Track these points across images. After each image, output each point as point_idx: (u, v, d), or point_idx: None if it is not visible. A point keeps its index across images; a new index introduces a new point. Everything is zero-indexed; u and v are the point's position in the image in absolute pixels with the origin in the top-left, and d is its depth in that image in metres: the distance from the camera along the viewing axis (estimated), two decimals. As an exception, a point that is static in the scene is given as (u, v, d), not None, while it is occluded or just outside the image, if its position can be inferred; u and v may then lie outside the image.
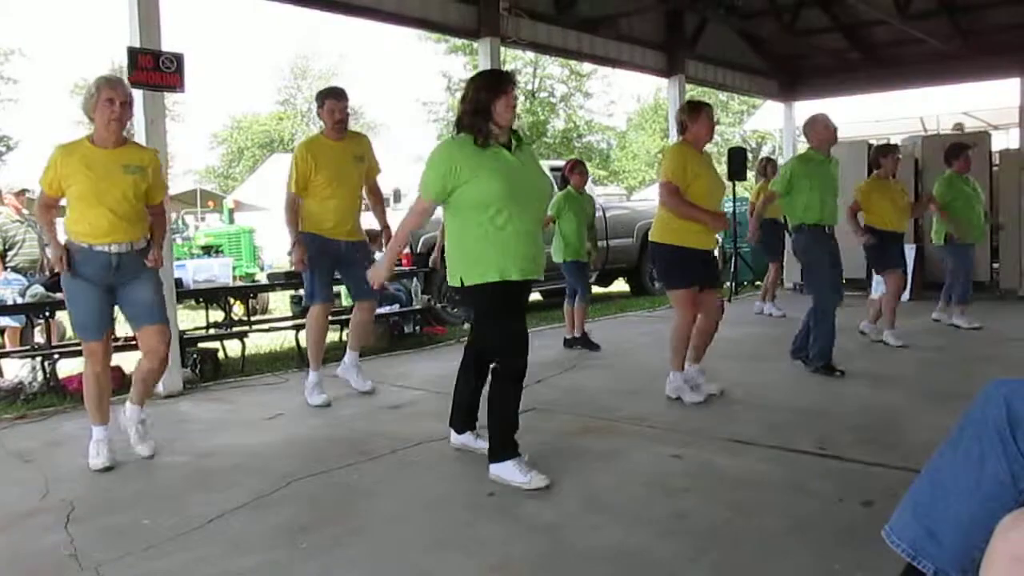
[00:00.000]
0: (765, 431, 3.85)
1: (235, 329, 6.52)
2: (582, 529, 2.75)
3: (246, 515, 2.99)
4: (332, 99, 4.73)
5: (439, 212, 3.40)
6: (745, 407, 4.39)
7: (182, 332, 5.73)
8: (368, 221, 5.10)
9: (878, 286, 6.95)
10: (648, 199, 13.56)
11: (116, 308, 3.72)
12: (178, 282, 5.73)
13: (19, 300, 5.55)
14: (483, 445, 3.43)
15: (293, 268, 5.10)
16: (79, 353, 4.23)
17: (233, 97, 68.67)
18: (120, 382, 4.86)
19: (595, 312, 8.30)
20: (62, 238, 3.56)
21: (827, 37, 10.35)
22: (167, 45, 5.00)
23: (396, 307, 7.22)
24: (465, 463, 3.50)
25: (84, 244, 3.49)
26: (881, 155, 6.30)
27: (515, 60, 26.98)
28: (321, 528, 2.83)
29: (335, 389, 4.94)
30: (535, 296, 9.41)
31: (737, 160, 9.68)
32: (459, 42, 26.61)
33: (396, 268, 7.17)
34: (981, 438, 1.65)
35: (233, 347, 6.40)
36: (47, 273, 6.73)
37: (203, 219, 18.10)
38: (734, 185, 9.80)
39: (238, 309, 7.58)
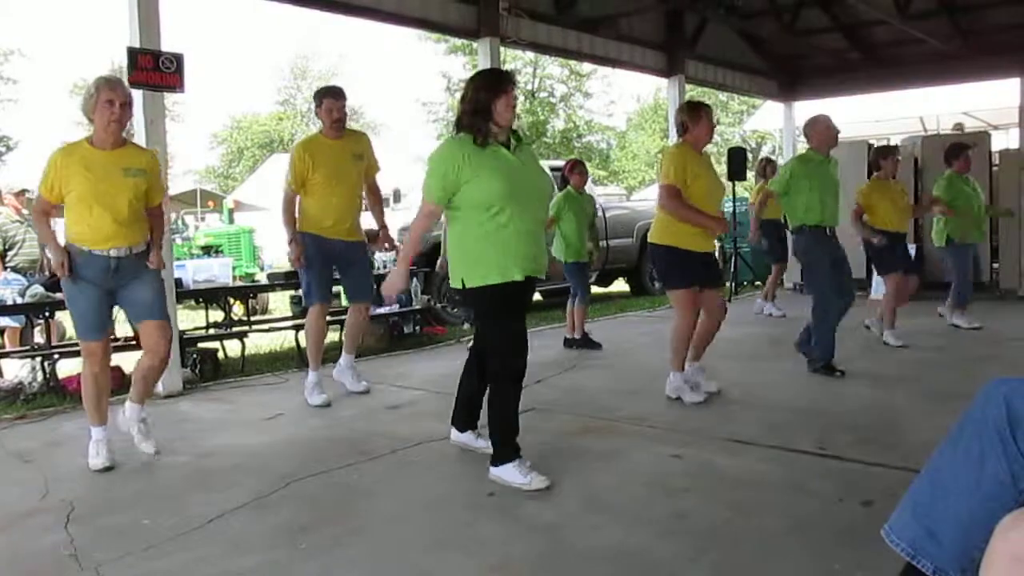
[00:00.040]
0: (765, 431, 3.85)
1: (235, 329, 6.52)
2: (582, 529, 2.75)
3: (246, 515, 2.99)
4: (330, 98, 4.74)
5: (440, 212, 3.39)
6: (745, 407, 4.39)
7: (182, 332, 5.74)
8: (367, 222, 5.10)
9: (878, 286, 6.95)
10: (648, 199, 13.55)
11: (116, 309, 3.72)
12: (178, 282, 5.74)
13: (19, 300, 5.55)
14: (483, 444, 3.43)
15: (293, 268, 5.11)
16: (79, 353, 4.23)
17: (233, 97, 68.83)
18: (120, 382, 4.86)
19: (595, 312, 8.30)
20: (61, 240, 3.56)
21: (827, 37, 10.35)
22: (167, 45, 5.00)
23: (396, 307, 7.22)
24: (465, 463, 3.50)
25: (84, 248, 3.48)
26: (881, 157, 6.30)
27: (515, 60, 26.98)
28: (321, 528, 2.83)
29: (334, 389, 4.95)
30: (535, 296, 9.41)
31: (737, 160, 9.68)
32: (459, 42, 26.62)
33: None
34: (981, 437, 1.65)
35: (233, 347, 6.41)
36: (47, 273, 6.73)
37: (203, 219, 18.10)
38: (734, 185, 9.80)
39: (238, 309, 7.58)
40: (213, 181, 35.37)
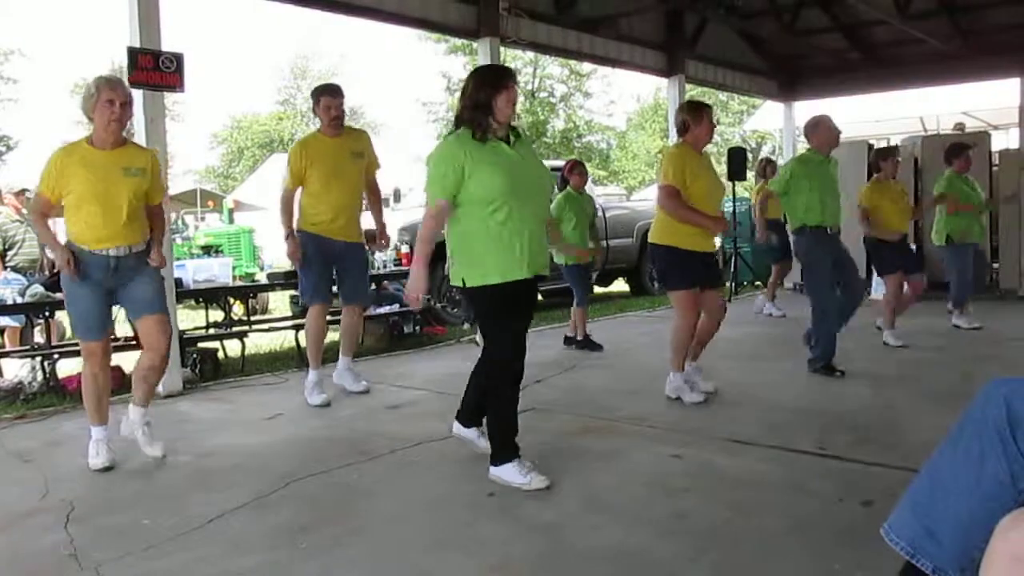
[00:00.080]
0: (765, 431, 3.85)
1: (235, 329, 6.52)
2: (582, 529, 2.75)
3: (246, 515, 2.98)
4: (327, 95, 4.75)
5: None
6: (745, 407, 4.39)
7: (182, 332, 5.73)
8: (367, 222, 5.10)
9: (878, 287, 6.95)
10: (648, 199, 13.55)
11: (116, 308, 3.71)
12: (178, 282, 5.74)
13: (19, 300, 5.55)
14: (485, 445, 3.43)
15: (293, 267, 5.11)
16: (79, 353, 4.23)
17: (233, 97, 68.81)
18: (120, 382, 4.86)
19: (595, 312, 8.30)
20: (62, 239, 3.56)
21: (827, 37, 10.35)
22: (167, 45, 5.00)
23: (396, 307, 7.22)
24: (465, 463, 3.49)
25: (84, 247, 3.48)
26: (881, 158, 6.31)
27: (515, 60, 26.97)
28: (321, 528, 2.83)
29: (334, 389, 4.95)
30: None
31: (737, 160, 9.68)
32: (459, 42, 26.63)
33: (395, 268, 7.21)
34: (981, 437, 1.64)
35: (233, 347, 6.40)
36: (47, 273, 6.74)
37: (203, 219, 18.09)
38: (734, 185, 9.80)
39: (238, 309, 7.58)
40: (213, 181, 35.36)
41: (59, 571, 2.58)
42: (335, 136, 4.77)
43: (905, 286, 6.19)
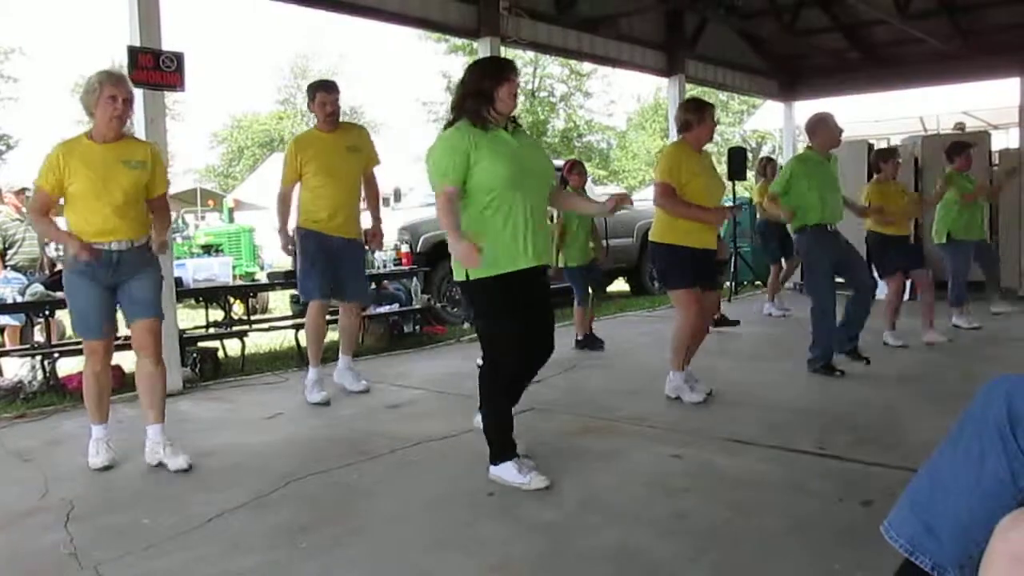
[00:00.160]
0: (765, 431, 3.85)
1: (235, 328, 6.52)
2: (582, 529, 2.75)
3: (246, 515, 2.98)
4: (323, 92, 4.78)
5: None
6: (745, 407, 4.39)
7: (182, 331, 5.73)
8: (365, 221, 5.10)
9: (881, 288, 6.95)
10: (648, 199, 13.54)
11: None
12: (178, 281, 5.74)
13: (19, 299, 5.55)
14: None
15: (293, 267, 5.13)
16: (79, 352, 4.23)
17: (233, 96, 68.79)
18: (120, 381, 4.86)
19: (595, 312, 8.27)
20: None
21: (827, 37, 10.34)
22: (167, 44, 5.00)
23: (396, 306, 7.22)
24: (465, 463, 3.49)
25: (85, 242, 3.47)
26: (881, 159, 6.31)
27: (515, 59, 26.92)
28: (321, 528, 2.83)
29: (334, 388, 4.95)
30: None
31: (737, 160, 9.68)
32: (459, 42, 26.60)
33: (395, 267, 7.21)
34: (981, 435, 1.64)
35: (233, 346, 6.40)
36: (47, 272, 6.74)
37: (203, 218, 18.09)
38: (734, 185, 9.80)
39: (238, 308, 7.59)
40: (213, 180, 35.37)
41: (59, 570, 2.58)
42: (331, 132, 4.79)
43: (908, 290, 6.19)
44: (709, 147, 4.72)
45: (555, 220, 6.07)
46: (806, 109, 10.21)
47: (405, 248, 7.44)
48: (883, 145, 9.50)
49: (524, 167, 3.16)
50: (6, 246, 6.73)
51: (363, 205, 5.10)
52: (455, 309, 8.04)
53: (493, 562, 2.52)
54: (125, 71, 4.83)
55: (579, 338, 6.44)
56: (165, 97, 5.24)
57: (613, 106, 39.70)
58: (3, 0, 34.38)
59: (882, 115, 12.88)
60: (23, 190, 7.06)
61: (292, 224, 4.96)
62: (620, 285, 11.65)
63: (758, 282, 10.55)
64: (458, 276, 3.23)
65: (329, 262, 4.80)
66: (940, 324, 6.88)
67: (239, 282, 7.25)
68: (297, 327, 6.16)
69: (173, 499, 3.19)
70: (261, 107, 39.37)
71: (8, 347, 6.09)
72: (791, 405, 4.41)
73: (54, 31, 54.54)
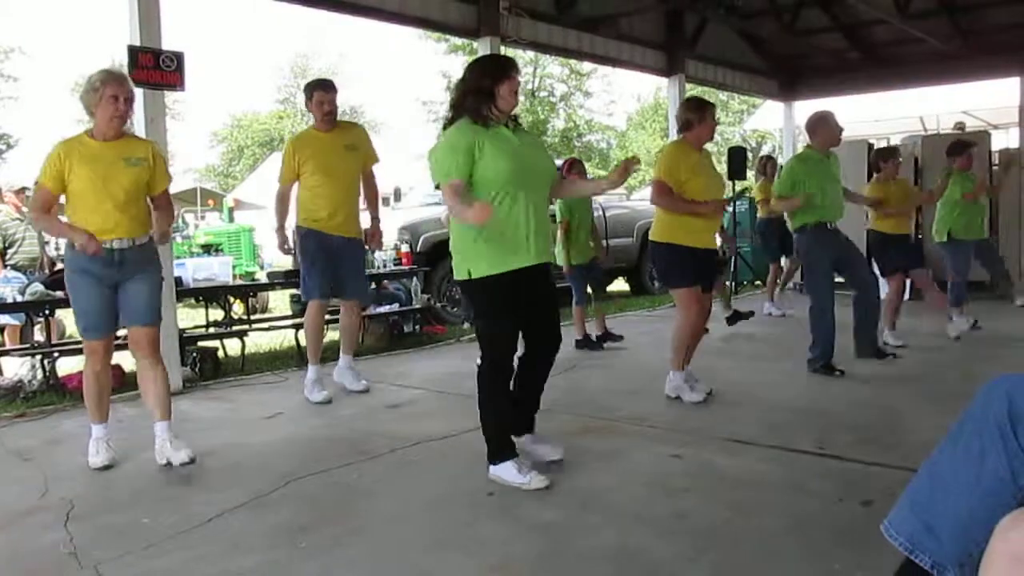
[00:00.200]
0: (765, 431, 3.85)
1: (235, 328, 6.52)
2: (582, 529, 2.75)
3: (246, 514, 2.98)
4: (320, 91, 4.79)
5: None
6: (745, 407, 4.38)
7: (182, 331, 5.73)
8: (364, 221, 5.10)
9: (881, 285, 6.95)
10: (648, 199, 13.53)
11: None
12: (178, 280, 5.74)
13: (19, 298, 5.55)
14: (538, 449, 3.40)
15: (294, 266, 5.13)
16: (79, 351, 4.23)
17: (233, 96, 68.83)
18: (120, 380, 4.86)
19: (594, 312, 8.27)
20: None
21: (827, 37, 10.35)
22: (167, 43, 5.00)
23: (396, 306, 7.22)
24: (465, 463, 3.49)
25: None
26: (882, 159, 6.30)
27: (515, 59, 26.98)
28: (321, 528, 2.82)
29: (334, 388, 4.95)
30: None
31: (737, 160, 9.69)
32: (459, 42, 26.61)
33: (395, 267, 7.21)
34: (982, 434, 1.64)
35: (233, 346, 6.40)
36: (47, 271, 6.74)
37: (203, 218, 18.10)
38: (734, 185, 9.80)
39: (238, 308, 7.59)
40: (213, 179, 35.41)
41: (59, 570, 2.58)
42: (328, 131, 4.80)
43: (908, 289, 6.20)
44: (709, 146, 4.71)
45: (559, 219, 6.08)
46: (806, 109, 10.20)
47: (405, 248, 7.43)
48: (883, 145, 9.50)
49: (525, 164, 3.16)
50: (6, 245, 6.72)
51: (363, 204, 5.10)
52: (455, 309, 8.03)
53: (493, 562, 2.52)
54: (125, 70, 4.84)
55: (578, 337, 6.43)
56: (165, 96, 5.24)
57: (613, 106, 39.92)
58: (3, 0, 34.37)
59: (882, 115, 12.88)
60: (23, 189, 7.06)
61: (290, 223, 4.97)
62: (620, 285, 11.64)
63: (758, 282, 10.55)
64: (459, 275, 3.23)
65: (329, 261, 4.80)
66: (939, 323, 6.90)
67: (239, 282, 7.25)
68: (297, 327, 6.16)
69: (173, 498, 3.19)
70: (261, 106, 39.51)
71: (8, 346, 6.09)
72: (791, 405, 4.41)
73: (54, 31, 54.64)
